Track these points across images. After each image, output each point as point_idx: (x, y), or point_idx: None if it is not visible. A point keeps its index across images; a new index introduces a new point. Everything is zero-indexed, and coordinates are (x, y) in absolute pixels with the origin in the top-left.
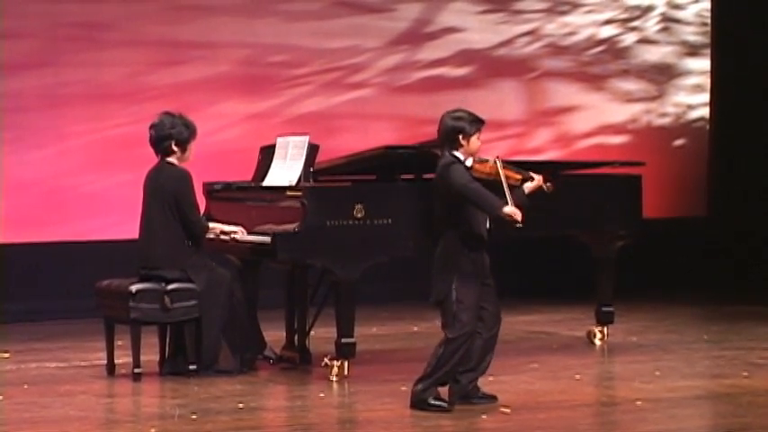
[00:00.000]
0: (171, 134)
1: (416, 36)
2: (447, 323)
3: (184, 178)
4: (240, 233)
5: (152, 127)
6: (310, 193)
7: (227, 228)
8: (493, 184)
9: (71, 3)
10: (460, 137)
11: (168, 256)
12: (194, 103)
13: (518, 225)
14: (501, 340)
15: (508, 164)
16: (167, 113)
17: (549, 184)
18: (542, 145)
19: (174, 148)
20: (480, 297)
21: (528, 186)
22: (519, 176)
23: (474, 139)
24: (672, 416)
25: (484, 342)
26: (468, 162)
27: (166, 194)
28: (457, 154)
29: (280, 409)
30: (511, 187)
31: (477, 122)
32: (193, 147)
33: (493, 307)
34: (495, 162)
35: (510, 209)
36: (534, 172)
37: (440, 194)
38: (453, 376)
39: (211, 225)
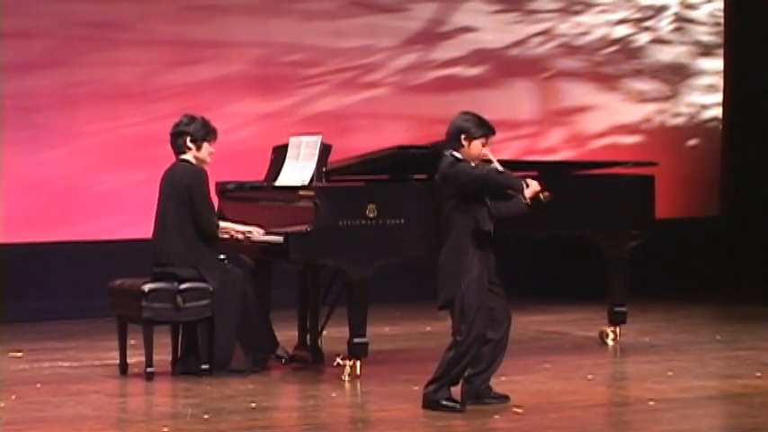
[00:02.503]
0: (186, 131)
1: (430, 36)
2: (456, 326)
3: (199, 175)
4: (256, 233)
5: (171, 127)
6: (323, 193)
7: (240, 227)
8: None
9: (85, 2)
10: (463, 137)
11: (181, 253)
12: (208, 102)
13: (546, 195)
14: (513, 340)
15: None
16: (187, 114)
17: (546, 194)
18: (555, 145)
19: (189, 145)
20: (488, 298)
21: (526, 192)
22: None
23: (477, 143)
24: (684, 416)
25: (495, 343)
26: (472, 165)
27: (181, 190)
28: (457, 155)
29: (292, 408)
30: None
31: (485, 128)
32: (212, 149)
33: (501, 307)
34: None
35: (533, 184)
36: (541, 175)
37: (445, 195)
38: (465, 377)
39: (222, 225)
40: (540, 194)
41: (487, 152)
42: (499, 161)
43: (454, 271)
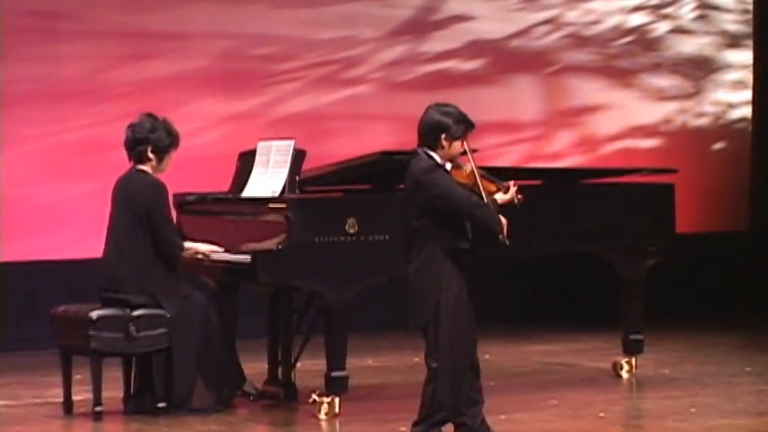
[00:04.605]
0: (149, 138)
1: (420, 25)
2: (431, 352)
3: (158, 189)
4: (218, 253)
5: (130, 127)
6: (296, 206)
7: (203, 247)
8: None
9: None
10: (443, 137)
11: (135, 278)
12: (164, 102)
13: (506, 243)
14: (514, 373)
15: (483, 172)
16: (150, 115)
17: (519, 197)
18: (563, 149)
19: (150, 156)
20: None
21: (501, 197)
22: (494, 187)
23: (457, 143)
24: None
25: (471, 378)
26: (448, 166)
27: (137, 207)
28: (434, 155)
29: None
30: (488, 198)
31: (466, 125)
32: (172, 158)
33: (472, 334)
34: (472, 171)
35: (511, 191)
36: (545, 184)
37: (418, 203)
38: (457, 423)
39: (187, 245)
40: (515, 199)
41: (467, 148)
42: (496, 168)
43: (429, 290)
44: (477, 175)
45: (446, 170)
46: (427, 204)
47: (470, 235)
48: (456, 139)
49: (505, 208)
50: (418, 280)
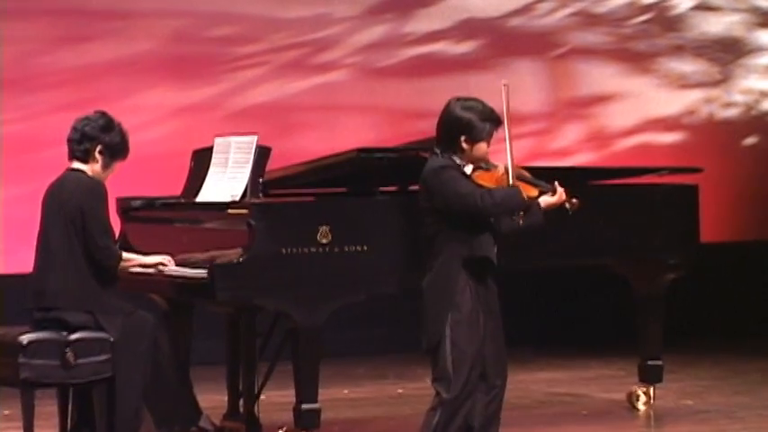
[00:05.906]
0: (101, 136)
1: (403, 2)
2: (439, 377)
3: (96, 190)
4: (167, 264)
5: (81, 119)
6: (259, 212)
7: (148, 260)
8: None
9: None
10: (463, 138)
11: (71, 293)
12: (106, 91)
13: (573, 202)
14: (514, 405)
15: (522, 172)
16: (104, 113)
17: (574, 200)
18: (570, 145)
19: (97, 156)
20: (483, 342)
21: (545, 200)
22: (536, 190)
23: (482, 145)
24: None
25: (486, 404)
26: (468, 169)
27: (71, 211)
28: (454, 157)
29: None
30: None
31: (492, 123)
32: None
33: (496, 355)
34: (505, 172)
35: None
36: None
37: (429, 209)
38: None
39: (126, 256)
40: (567, 202)
41: (507, 143)
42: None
43: (439, 308)
44: (511, 177)
45: (463, 171)
46: (440, 210)
47: (496, 244)
48: (479, 141)
49: (554, 212)
50: (430, 295)
